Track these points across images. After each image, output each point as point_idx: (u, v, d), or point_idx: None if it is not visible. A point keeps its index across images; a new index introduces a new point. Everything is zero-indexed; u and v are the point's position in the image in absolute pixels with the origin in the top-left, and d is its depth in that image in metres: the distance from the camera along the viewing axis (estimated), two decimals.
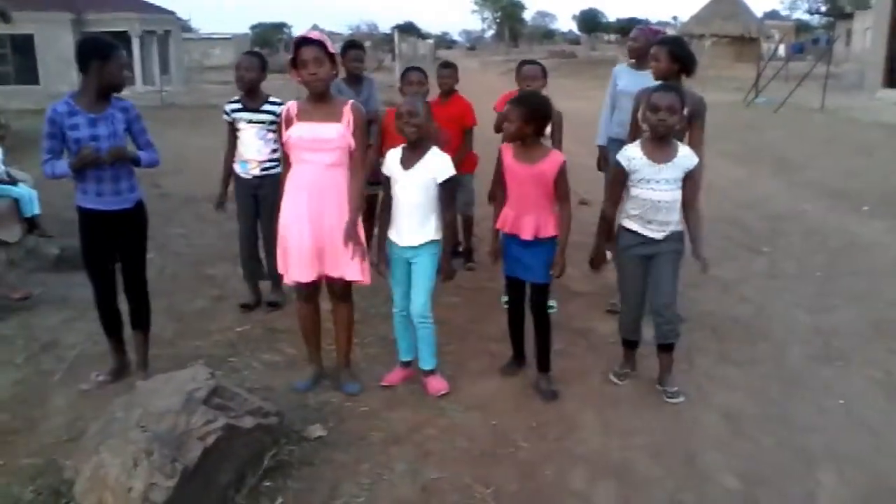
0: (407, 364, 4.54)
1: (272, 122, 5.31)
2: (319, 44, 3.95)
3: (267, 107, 5.36)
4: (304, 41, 3.96)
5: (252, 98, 5.42)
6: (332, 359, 4.56)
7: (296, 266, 4.15)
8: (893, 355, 4.96)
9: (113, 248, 4.35)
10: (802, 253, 7.32)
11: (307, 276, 4.16)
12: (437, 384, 4.42)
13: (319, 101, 4.07)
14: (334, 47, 4.09)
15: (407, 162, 4.17)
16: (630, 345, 4.58)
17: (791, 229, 8.21)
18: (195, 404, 3.38)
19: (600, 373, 4.67)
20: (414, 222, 4.20)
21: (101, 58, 4.07)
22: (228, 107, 5.50)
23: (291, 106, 4.11)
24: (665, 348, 4.40)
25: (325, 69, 3.98)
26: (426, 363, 4.44)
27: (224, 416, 3.39)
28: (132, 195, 4.31)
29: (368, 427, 4.04)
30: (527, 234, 4.18)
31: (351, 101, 4.17)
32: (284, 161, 4.23)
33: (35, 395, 4.38)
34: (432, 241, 4.25)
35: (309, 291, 4.30)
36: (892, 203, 9.33)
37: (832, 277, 6.56)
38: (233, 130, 5.50)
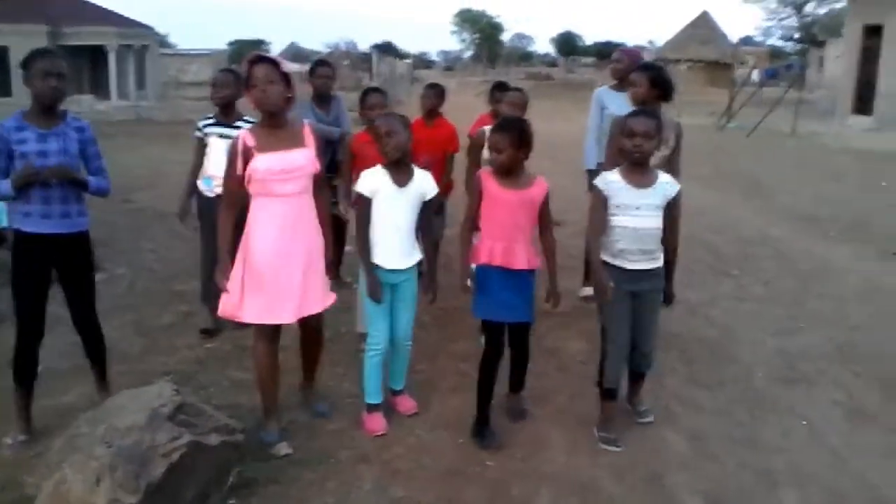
0: (379, 405, 4.27)
1: None
2: (271, 62, 3.76)
3: (240, 124, 5.33)
4: (256, 59, 3.77)
5: (227, 114, 5.40)
6: (296, 377, 4.50)
7: (277, 306, 3.83)
8: (857, 378, 5.04)
9: (50, 277, 3.98)
10: (771, 276, 7.41)
11: (292, 316, 3.89)
12: (407, 403, 4.42)
13: (276, 127, 3.81)
14: (289, 68, 3.88)
15: (398, 180, 4.04)
16: (612, 395, 4.19)
17: (760, 253, 8.32)
18: (160, 420, 3.35)
19: (569, 393, 4.70)
20: (405, 243, 4.11)
21: (23, 67, 3.78)
22: (201, 122, 5.47)
23: (245, 136, 3.75)
24: (639, 375, 4.41)
25: (276, 89, 3.71)
26: (398, 383, 4.44)
27: (189, 433, 3.37)
28: (81, 219, 3.98)
29: (336, 445, 4.03)
30: (521, 264, 3.98)
31: (307, 122, 4.05)
32: (231, 197, 3.86)
33: None
34: (418, 262, 4.21)
35: (275, 330, 3.97)
36: (859, 228, 9.49)
37: (799, 301, 6.65)
38: (201, 147, 5.43)
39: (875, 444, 4.22)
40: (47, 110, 3.87)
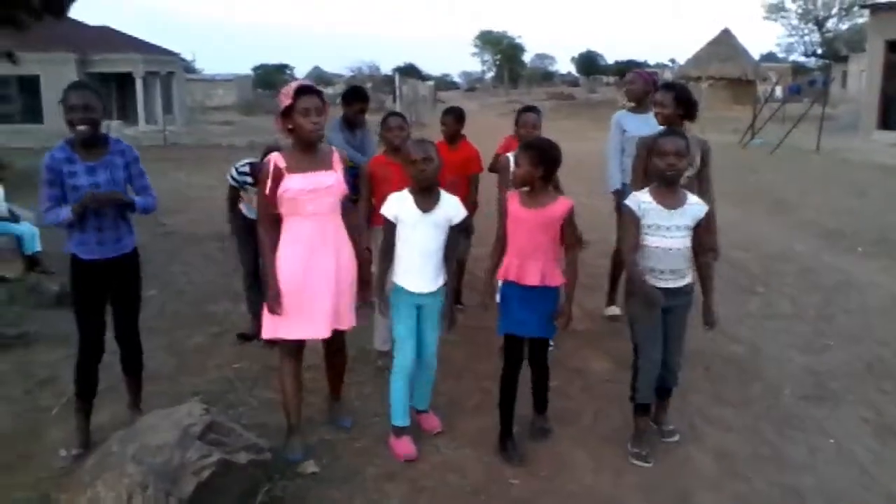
0: (406, 427, 4.26)
1: None
2: (320, 93, 3.91)
3: None
4: (307, 90, 3.87)
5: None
6: (322, 395, 4.57)
7: (309, 322, 3.98)
8: (884, 395, 5.00)
9: (106, 298, 4.18)
10: (797, 293, 7.37)
11: (324, 332, 4.02)
12: (432, 422, 4.45)
13: (309, 151, 3.95)
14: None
15: (424, 205, 4.07)
16: (645, 411, 4.26)
17: (786, 269, 8.28)
18: (190, 439, 3.41)
19: (593, 411, 4.71)
20: (432, 267, 4.13)
21: (61, 102, 3.90)
22: (238, 173, 5.66)
23: (276, 159, 3.88)
24: (666, 392, 4.41)
25: (324, 120, 3.90)
26: (423, 403, 4.47)
27: (219, 452, 3.42)
28: (130, 240, 4.18)
29: (362, 463, 4.07)
30: (533, 280, 4.03)
31: (334, 148, 4.15)
32: (266, 219, 3.99)
33: (31, 429, 4.42)
34: (444, 285, 4.24)
35: (300, 347, 4.13)
36: (885, 243, 9.42)
37: (826, 317, 6.61)
38: (234, 192, 5.75)
39: None
40: (92, 142, 3.96)
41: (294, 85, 3.94)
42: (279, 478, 3.79)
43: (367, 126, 6.49)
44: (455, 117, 6.19)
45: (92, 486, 3.24)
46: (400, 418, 4.21)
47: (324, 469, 3.97)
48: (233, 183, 5.70)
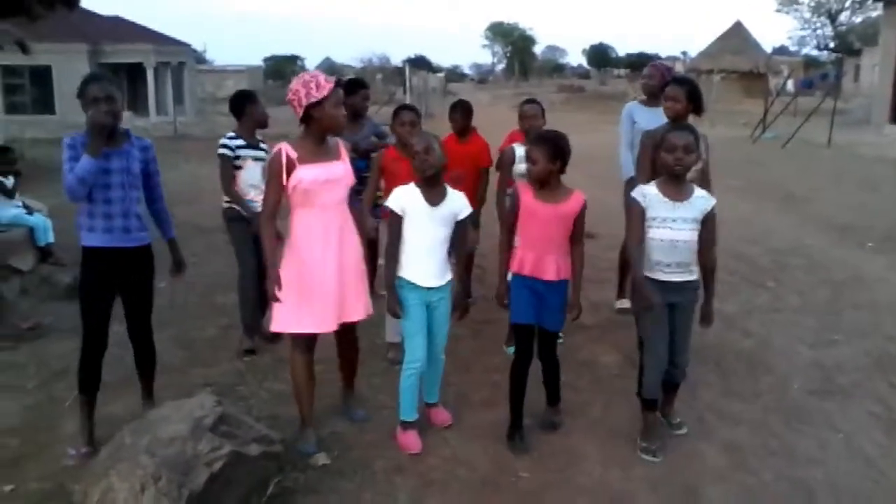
0: (414, 422, 4.28)
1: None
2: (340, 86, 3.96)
3: (263, 146, 5.58)
4: (339, 83, 3.91)
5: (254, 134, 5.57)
6: (334, 388, 4.60)
7: (318, 316, 3.98)
8: (893, 390, 5.00)
9: (114, 291, 4.15)
10: (806, 287, 7.37)
11: (331, 325, 4.04)
12: (442, 416, 4.48)
13: (320, 143, 3.96)
14: None
15: (431, 199, 4.07)
16: (652, 406, 4.25)
17: (795, 263, 8.27)
18: (202, 431, 3.45)
19: (602, 404, 4.73)
20: (438, 261, 4.15)
21: (79, 96, 3.91)
22: (232, 143, 5.46)
23: (286, 149, 3.87)
24: (673, 387, 4.43)
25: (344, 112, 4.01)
26: (432, 396, 4.49)
27: (230, 444, 3.46)
28: (142, 234, 4.14)
29: (372, 456, 4.09)
30: (551, 275, 4.08)
31: (339, 139, 4.13)
32: (273, 209, 3.95)
33: (46, 420, 4.47)
34: (451, 280, 4.27)
35: (312, 340, 4.13)
36: (895, 237, 9.38)
37: (835, 312, 6.61)
38: (232, 167, 5.46)
39: None
40: (111, 134, 3.93)
41: (327, 77, 3.89)
42: (290, 469, 3.82)
43: (370, 120, 6.46)
44: (463, 112, 6.17)
45: (106, 477, 3.28)
46: (408, 413, 4.23)
47: (334, 461, 4.00)
48: (226, 153, 5.42)
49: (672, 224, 4.00)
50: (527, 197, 4.09)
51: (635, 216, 4.10)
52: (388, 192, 4.34)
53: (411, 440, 4.20)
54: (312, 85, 3.82)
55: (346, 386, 4.58)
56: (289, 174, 3.86)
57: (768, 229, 10.13)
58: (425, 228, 4.09)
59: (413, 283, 4.12)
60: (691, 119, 4.96)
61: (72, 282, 6.70)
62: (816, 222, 10.54)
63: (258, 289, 5.44)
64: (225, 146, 5.42)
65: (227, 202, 5.49)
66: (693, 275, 4.12)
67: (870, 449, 4.25)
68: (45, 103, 29.48)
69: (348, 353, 4.45)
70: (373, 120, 6.51)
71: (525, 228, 4.13)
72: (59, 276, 6.97)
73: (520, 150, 5.19)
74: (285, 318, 3.99)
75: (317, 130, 3.93)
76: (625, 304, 6.32)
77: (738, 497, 3.79)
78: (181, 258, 4.52)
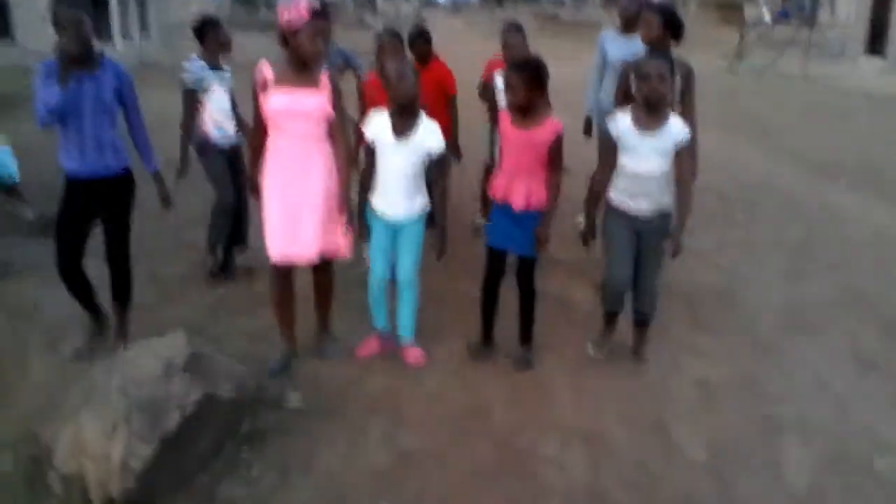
0: (382, 332, 4.49)
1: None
2: (329, 17, 3.97)
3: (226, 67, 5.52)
4: (320, 13, 3.83)
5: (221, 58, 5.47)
6: (308, 328, 4.55)
7: (294, 244, 4.01)
8: (864, 325, 5.07)
9: (91, 216, 4.20)
10: (778, 223, 7.40)
11: (310, 252, 4.03)
12: (415, 354, 4.46)
13: (301, 68, 3.88)
14: None
15: (398, 130, 4.04)
16: (612, 316, 4.51)
17: (768, 198, 8.28)
18: (174, 371, 3.41)
19: (576, 342, 4.73)
20: (404, 193, 4.14)
21: (53, 24, 3.85)
22: (196, 67, 5.33)
23: (265, 67, 3.87)
24: (643, 323, 4.45)
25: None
26: (406, 331, 4.46)
27: (203, 385, 3.42)
28: (117, 162, 4.17)
29: (345, 396, 4.09)
30: (518, 204, 4.08)
31: (326, 71, 4.02)
32: (258, 128, 4.02)
33: (14, 363, 4.37)
34: (422, 213, 4.24)
35: (286, 270, 4.16)
36: (869, 173, 9.42)
37: (807, 248, 6.65)
38: (196, 95, 5.36)
39: (880, 393, 4.26)
40: (77, 60, 3.87)
41: (307, 4, 3.79)
42: (263, 410, 3.80)
43: (336, 46, 6.25)
44: (423, 39, 5.98)
45: (75, 420, 3.23)
46: (378, 321, 4.44)
47: (307, 401, 3.98)
48: (187, 77, 5.31)
49: (640, 155, 4.01)
50: (504, 122, 4.13)
51: (606, 147, 4.19)
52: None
53: (366, 344, 4.48)
54: (293, 12, 3.78)
55: (320, 323, 4.53)
56: (264, 94, 3.88)
57: (741, 163, 10.10)
58: (390, 159, 4.10)
59: (377, 210, 4.18)
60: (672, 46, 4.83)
61: (36, 219, 6.54)
62: (790, 157, 10.51)
63: (233, 225, 5.47)
64: (187, 70, 5.34)
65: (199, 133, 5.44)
66: (661, 206, 4.13)
67: (839, 386, 4.31)
68: (2, 30, 28.46)
69: (320, 288, 4.41)
70: (339, 45, 6.29)
71: (502, 154, 4.21)
72: (22, 211, 6.78)
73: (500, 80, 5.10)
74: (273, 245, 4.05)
75: (293, 56, 3.87)
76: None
77: (707, 433, 3.84)
78: (166, 193, 4.60)
